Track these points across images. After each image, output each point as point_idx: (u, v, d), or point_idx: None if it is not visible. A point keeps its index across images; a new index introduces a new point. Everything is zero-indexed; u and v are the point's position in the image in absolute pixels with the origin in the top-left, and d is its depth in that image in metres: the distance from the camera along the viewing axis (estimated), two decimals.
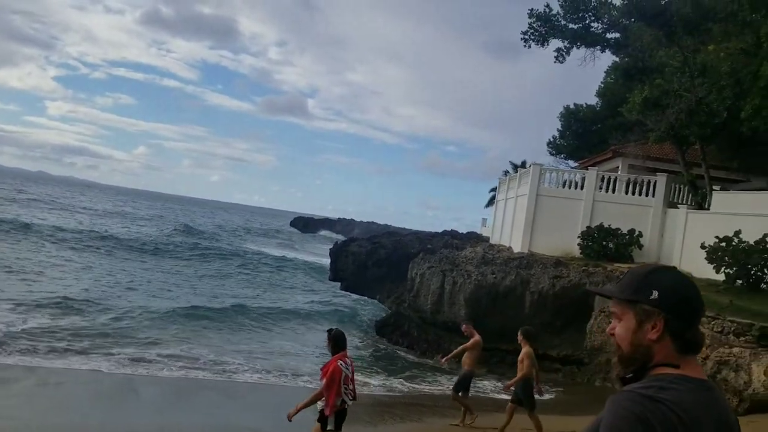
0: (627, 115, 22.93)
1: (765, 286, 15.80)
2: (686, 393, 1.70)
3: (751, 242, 15.81)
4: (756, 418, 10.54)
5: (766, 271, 15.74)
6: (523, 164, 40.10)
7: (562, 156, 41.80)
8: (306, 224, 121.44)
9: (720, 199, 20.03)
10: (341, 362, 7.24)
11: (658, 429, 1.61)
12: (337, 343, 7.45)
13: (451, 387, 12.93)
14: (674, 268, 1.96)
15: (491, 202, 49.84)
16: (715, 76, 19.76)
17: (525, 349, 10.73)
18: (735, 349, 11.91)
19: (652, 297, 1.82)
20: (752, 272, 15.87)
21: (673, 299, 1.82)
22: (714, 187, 21.10)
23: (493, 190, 48.38)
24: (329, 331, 7.74)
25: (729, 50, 19.57)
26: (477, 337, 12.42)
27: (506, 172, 44.53)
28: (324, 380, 7.21)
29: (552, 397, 16.72)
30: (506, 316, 18.92)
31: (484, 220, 48.10)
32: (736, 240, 16.18)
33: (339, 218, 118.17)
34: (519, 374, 10.72)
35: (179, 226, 76.25)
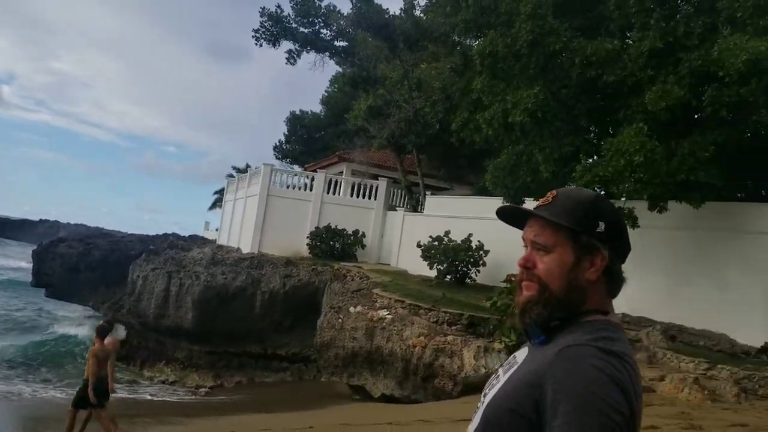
0: (353, 122, 24.09)
1: (469, 280, 17.73)
2: (627, 343, 1.49)
3: (459, 241, 17.63)
4: (468, 398, 11.65)
5: (470, 267, 17.67)
6: (247, 168, 39.97)
7: (287, 160, 42.78)
8: (0, 226, 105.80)
9: (433, 202, 22.09)
10: None
11: (629, 390, 1.35)
12: None
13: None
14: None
15: (215, 204, 48.83)
16: (429, 91, 21.74)
17: (95, 347, 10.02)
18: (449, 337, 13.07)
19: (599, 229, 1.52)
20: (459, 268, 17.71)
21: (618, 234, 1.56)
22: (426, 193, 23.22)
23: (218, 192, 47.47)
24: None
25: (438, 69, 21.71)
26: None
27: (230, 176, 44.14)
28: None
29: (248, 396, 16.56)
30: (236, 318, 18.49)
31: (207, 223, 46.98)
32: (446, 239, 17.90)
33: (41, 219, 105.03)
34: (90, 375, 9.72)
35: None
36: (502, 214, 1.67)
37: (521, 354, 1.57)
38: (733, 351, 11.81)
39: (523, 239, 1.61)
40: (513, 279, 13.24)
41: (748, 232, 12.51)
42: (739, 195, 16.76)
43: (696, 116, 13.64)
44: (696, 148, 11.85)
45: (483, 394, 1.58)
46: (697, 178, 11.71)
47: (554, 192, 1.60)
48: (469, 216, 19.22)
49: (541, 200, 1.60)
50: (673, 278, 13.24)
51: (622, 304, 14.63)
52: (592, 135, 14.67)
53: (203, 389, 17.44)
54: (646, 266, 14.65)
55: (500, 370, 1.59)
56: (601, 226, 1.52)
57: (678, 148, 12.09)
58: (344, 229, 22.14)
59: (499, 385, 1.50)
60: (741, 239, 12.86)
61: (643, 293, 14.63)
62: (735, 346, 11.99)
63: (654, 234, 14.17)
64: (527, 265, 1.57)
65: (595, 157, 14.37)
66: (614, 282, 1.54)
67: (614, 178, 12.04)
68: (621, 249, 1.56)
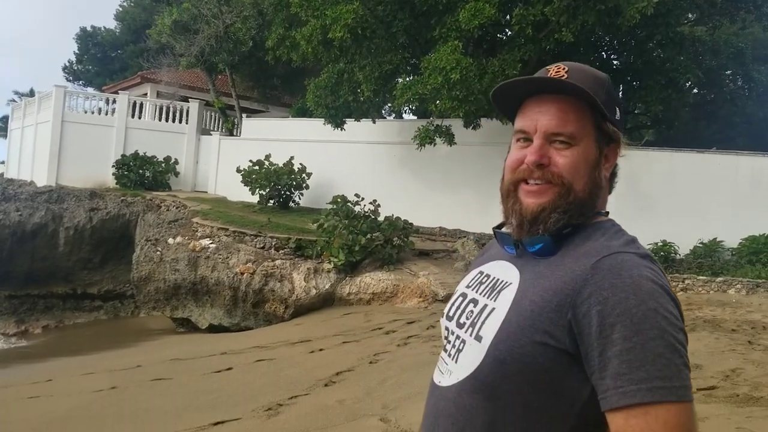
0: (155, 38, 22.12)
1: (293, 204, 17.55)
2: None
3: (280, 165, 17.26)
4: (301, 320, 11.71)
5: (293, 191, 17.46)
6: (32, 92, 35.70)
7: (80, 82, 38.99)
8: None
9: (250, 125, 21.30)
10: None
11: (678, 300, 1.10)
12: None
13: None
14: None
15: None
16: (239, 6, 20.51)
17: None
18: (277, 262, 12.93)
19: (617, 116, 1.22)
20: (282, 192, 17.42)
21: (623, 123, 1.27)
22: (243, 116, 22.30)
23: (1, 119, 42.19)
24: None
25: None
26: None
27: (13, 101, 39.38)
28: None
29: (60, 340, 15.18)
30: (38, 258, 16.81)
31: None
32: (267, 163, 17.42)
33: None
34: None
35: None
36: (506, 87, 1.25)
37: (503, 270, 1.27)
38: None
39: (524, 131, 1.24)
40: (339, 200, 13.28)
41: None
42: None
43: (503, 35, 14.30)
44: (505, 65, 12.45)
45: (457, 325, 1.27)
46: None
47: (563, 65, 1.23)
48: (289, 139, 18.83)
49: (552, 72, 1.22)
50: (483, 191, 13.72)
51: (439, 217, 15.39)
52: (409, 53, 14.83)
53: (7, 336, 15.78)
54: (461, 181, 15.45)
55: (472, 293, 1.29)
56: (618, 112, 1.23)
57: (489, 65, 12.62)
58: (154, 156, 20.66)
59: (499, 315, 1.18)
60: None
61: (458, 207, 15.48)
62: None
63: (467, 150, 14.91)
64: (542, 162, 1.20)
65: (413, 76, 14.58)
66: (615, 179, 1.29)
67: (432, 95, 12.35)
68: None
